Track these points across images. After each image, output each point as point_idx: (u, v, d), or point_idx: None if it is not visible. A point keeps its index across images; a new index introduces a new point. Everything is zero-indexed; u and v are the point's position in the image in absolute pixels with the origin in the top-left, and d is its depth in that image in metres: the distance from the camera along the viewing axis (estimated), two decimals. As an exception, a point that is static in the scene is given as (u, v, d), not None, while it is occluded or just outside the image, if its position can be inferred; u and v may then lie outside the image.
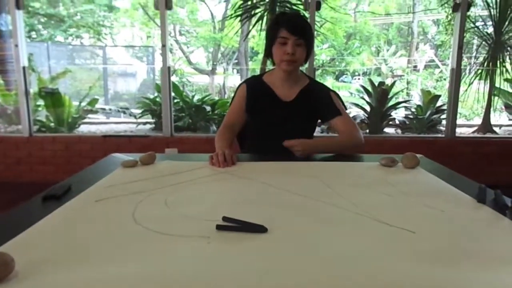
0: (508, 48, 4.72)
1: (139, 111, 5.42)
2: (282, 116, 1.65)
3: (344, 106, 1.74)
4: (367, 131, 4.90)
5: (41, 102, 4.76)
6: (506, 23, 4.68)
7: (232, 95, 1.78)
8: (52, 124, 4.73)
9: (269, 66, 2.86)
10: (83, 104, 5.18)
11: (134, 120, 5.48)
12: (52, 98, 4.63)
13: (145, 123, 5.33)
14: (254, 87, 1.68)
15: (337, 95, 1.73)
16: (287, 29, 1.51)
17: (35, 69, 4.91)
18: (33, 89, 4.57)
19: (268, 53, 1.62)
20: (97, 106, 5.62)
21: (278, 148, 1.57)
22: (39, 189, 1.03)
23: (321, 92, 1.70)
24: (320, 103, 1.67)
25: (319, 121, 1.74)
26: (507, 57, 4.71)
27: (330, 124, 1.67)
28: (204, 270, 0.62)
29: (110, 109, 6.23)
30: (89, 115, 5.52)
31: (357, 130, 1.63)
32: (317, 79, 2.55)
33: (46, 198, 0.96)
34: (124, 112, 5.83)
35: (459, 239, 0.75)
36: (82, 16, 9.78)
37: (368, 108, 5.02)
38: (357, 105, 5.45)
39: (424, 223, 0.83)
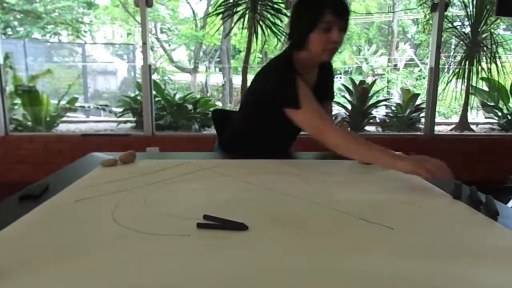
0: (484, 48, 4.84)
1: (120, 109, 5.35)
2: None
3: None
4: (349, 129, 4.96)
5: (17, 100, 4.65)
6: (482, 23, 4.79)
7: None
8: (29, 123, 4.62)
9: (253, 64, 2.82)
10: (62, 102, 5.08)
11: (115, 119, 5.40)
12: (29, 96, 4.54)
13: (125, 122, 5.26)
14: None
15: None
16: (334, 13, 1.25)
17: (13, 67, 4.78)
18: (9, 87, 4.46)
19: (299, 41, 1.33)
20: (77, 104, 5.52)
21: (284, 143, 1.61)
22: (15, 189, 1.01)
23: (328, 70, 1.52)
24: (328, 82, 1.52)
25: None
26: (483, 57, 4.83)
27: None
28: (185, 268, 0.62)
29: (89, 107, 6.12)
30: (68, 114, 5.42)
31: None
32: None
33: (23, 197, 0.94)
34: (104, 110, 5.75)
35: (436, 234, 0.77)
36: (60, 13, 9.57)
37: (349, 107, 5.08)
38: (338, 103, 5.51)
39: (402, 219, 0.84)
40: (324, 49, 1.29)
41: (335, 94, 1.70)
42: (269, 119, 1.44)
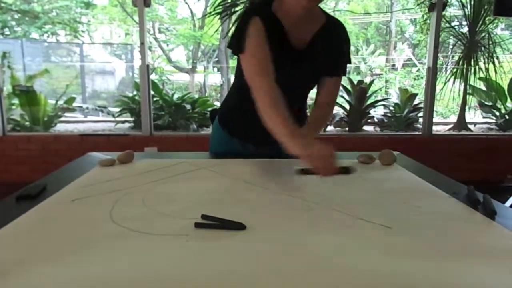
0: (482, 48, 4.84)
1: (118, 109, 5.34)
2: (289, 73, 1.17)
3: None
4: (347, 129, 4.96)
5: (15, 100, 4.64)
6: (480, 23, 4.80)
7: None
8: (27, 123, 4.61)
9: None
10: (60, 102, 5.07)
11: (113, 119, 5.39)
12: (27, 96, 4.53)
13: (124, 122, 5.25)
14: (268, 24, 1.13)
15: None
16: None
17: (11, 66, 4.77)
18: (7, 87, 4.45)
19: None
20: (74, 104, 5.51)
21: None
22: (13, 189, 1.00)
23: (340, 38, 1.29)
24: (333, 52, 1.26)
25: None
26: (481, 57, 4.84)
27: (323, 80, 1.28)
28: (183, 268, 0.61)
29: (87, 108, 6.11)
30: (66, 114, 5.41)
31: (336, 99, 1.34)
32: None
33: (20, 198, 0.94)
34: (102, 111, 5.74)
35: (433, 233, 0.77)
36: (58, 13, 9.55)
37: (347, 107, 5.08)
38: (336, 103, 5.51)
39: (400, 219, 0.84)
40: None
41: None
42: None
